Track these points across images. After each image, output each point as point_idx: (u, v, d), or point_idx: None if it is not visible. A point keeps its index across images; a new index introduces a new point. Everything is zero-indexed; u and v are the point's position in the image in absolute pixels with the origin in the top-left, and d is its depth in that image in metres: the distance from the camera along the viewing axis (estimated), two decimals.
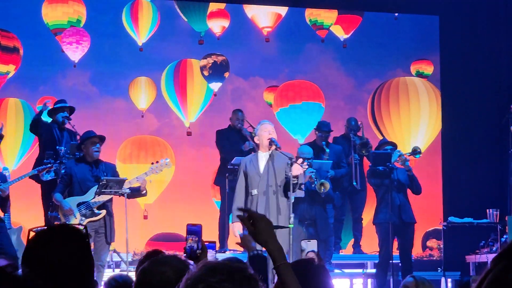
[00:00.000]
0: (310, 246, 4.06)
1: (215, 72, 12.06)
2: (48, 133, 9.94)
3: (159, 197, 12.40)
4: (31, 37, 12.50)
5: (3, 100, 11.55)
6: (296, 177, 7.83)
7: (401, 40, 13.76)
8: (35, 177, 9.69)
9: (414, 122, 11.42)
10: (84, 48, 12.12)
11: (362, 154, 10.88)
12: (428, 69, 13.32)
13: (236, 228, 7.87)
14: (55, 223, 8.77)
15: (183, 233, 12.31)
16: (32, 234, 2.57)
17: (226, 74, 12.21)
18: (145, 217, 11.63)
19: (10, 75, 11.77)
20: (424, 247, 12.75)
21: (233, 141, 10.81)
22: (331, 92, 13.59)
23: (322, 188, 9.34)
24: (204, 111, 13.19)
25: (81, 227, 2.64)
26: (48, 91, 12.67)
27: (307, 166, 8.06)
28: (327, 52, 13.77)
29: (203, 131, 13.34)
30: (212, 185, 12.65)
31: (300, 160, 7.91)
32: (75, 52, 12.10)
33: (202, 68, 12.08)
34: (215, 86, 12.16)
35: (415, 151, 10.09)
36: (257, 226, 2.73)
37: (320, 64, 12.98)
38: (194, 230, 3.22)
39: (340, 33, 12.82)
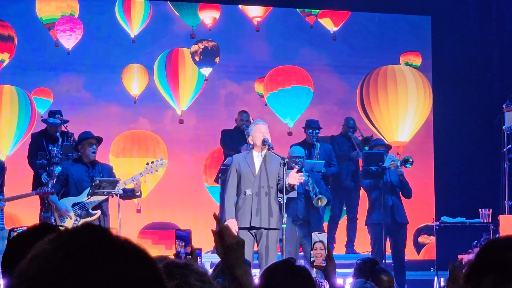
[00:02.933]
0: (318, 238, 3.97)
1: (206, 57, 12.08)
2: (35, 144, 10.08)
3: (152, 191, 12.40)
4: (25, 32, 12.54)
5: None
6: (292, 186, 7.88)
7: (394, 41, 13.76)
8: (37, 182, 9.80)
9: (402, 107, 11.43)
10: (77, 35, 12.18)
11: (364, 151, 10.92)
12: (416, 60, 13.38)
13: (232, 225, 7.84)
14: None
15: (176, 223, 12.26)
16: (13, 234, 2.50)
17: (217, 59, 12.24)
18: (138, 211, 11.59)
19: (5, 63, 11.78)
20: (416, 243, 12.79)
21: (236, 141, 10.82)
22: (324, 96, 13.64)
23: (319, 202, 9.33)
24: (198, 105, 13.27)
25: (61, 228, 2.59)
26: (41, 84, 12.72)
27: (303, 178, 8.03)
28: (321, 57, 13.81)
29: (195, 121, 13.41)
30: (204, 171, 12.70)
31: (295, 169, 7.93)
32: (68, 39, 12.15)
33: (193, 54, 12.10)
34: (206, 71, 12.19)
35: (407, 161, 10.12)
36: (227, 249, 2.55)
37: (314, 69, 12.98)
38: (182, 236, 3.26)
39: (330, 26, 12.83)
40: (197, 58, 12.04)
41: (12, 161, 11.04)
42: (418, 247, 12.87)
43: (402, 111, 11.39)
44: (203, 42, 12.15)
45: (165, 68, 12.28)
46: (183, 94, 12.28)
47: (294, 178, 7.79)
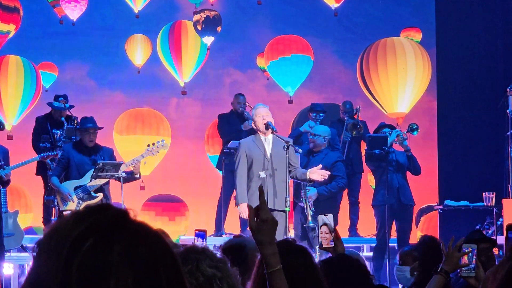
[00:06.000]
0: (323, 220, 3.97)
1: (208, 26, 12.09)
2: (40, 128, 10.10)
3: (156, 168, 12.43)
4: (30, 12, 12.57)
5: (3, 57, 11.58)
6: (313, 181, 7.88)
7: (397, 24, 13.71)
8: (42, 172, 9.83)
9: (401, 78, 11.41)
10: (82, 6, 12.19)
11: (353, 135, 10.86)
12: (417, 36, 13.37)
13: (244, 210, 7.81)
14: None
15: (181, 196, 12.20)
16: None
17: (219, 29, 12.24)
18: (142, 188, 11.61)
19: (11, 35, 11.79)
20: (418, 223, 12.79)
21: (233, 125, 10.80)
22: (329, 85, 13.62)
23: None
24: (203, 93, 13.30)
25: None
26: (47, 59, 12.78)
27: (327, 175, 7.99)
28: (326, 45, 13.80)
29: (199, 109, 13.44)
30: (206, 141, 12.72)
31: (319, 166, 7.92)
32: (73, 10, 12.16)
33: (196, 23, 12.11)
34: (208, 40, 12.19)
35: (412, 128, 10.07)
36: (262, 223, 2.57)
37: (319, 57, 12.97)
38: (200, 235, 3.48)
39: (331, 2, 12.76)
40: (199, 27, 12.04)
41: (18, 130, 11.19)
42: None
43: (401, 82, 11.36)
44: (205, 11, 12.16)
45: (168, 40, 12.30)
46: (186, 65, 12.28)
47: (318, 174, 7.79)
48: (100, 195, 8.63)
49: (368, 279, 3.61)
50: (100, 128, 8.94)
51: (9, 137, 10.69)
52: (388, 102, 11.48)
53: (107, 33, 13.40)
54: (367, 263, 10.05)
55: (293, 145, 8.04)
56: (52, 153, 8.91)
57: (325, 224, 3.93)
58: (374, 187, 10.38)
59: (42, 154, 8.98)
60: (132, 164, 8.67)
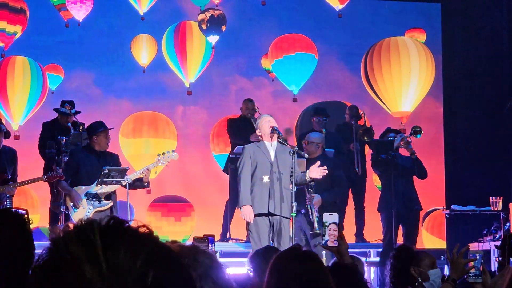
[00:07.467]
0: (332, 219, 4.01)
1: (213, 25, 12.13)
2: (46, 134, 10.15)
3: (162, 173, 12.45)
4: (36, 13, 12.62)
5: (10, 57, 11.61)
6: (312, 180, 7.86)
7: (403, 30, 13.71)
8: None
9: (405, 77, 11.39)
10: (88, 7, 12.21)
11: (364, 141, 10.84)
12: (421, 37, 13.37)
13: (248, 212, 7.81)
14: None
15: (186, 197, 12.22)
16: None
17: (223, 28, 12.27)
18: (148, 192, 11.62)
19: (17, 36, 11.82)
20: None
21: (242, 129, 10.80)
22: (334, 90, 13.62)
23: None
24: (209, 101, 13.32)
25: (23, 212, 2.56)
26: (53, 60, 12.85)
27: (326, 172, 7.97)
28: (332, 51, 13.81)
29: (206, 117, 13.45)
30: (212, 140, 12.73)
31: (317, 163, 7.90)
32: (79, 11, 12.18)
33: (200, 22, 12.15)
34: (213, 39, 12.22)
35: (416, 131, 10.05)
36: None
37: (324, 62, 12.98)
38: (210, 239, 3.57)
39: (335, 3, 12.76)
40: (204, 27, 12.06)
41: (24, 130, 11.25)
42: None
43: (405, 80, 11.36)
44: (209, 10, 12.19)
45: (173, 40, 12.33)
46: (191, 65, 12.31)
47: (317, 172, 7.77)
48: (110, 203, 8.61)
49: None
50: (111, 128, 9.00)
51: (16, 137, 10.76)
52: (392, 101, 11.47)
53: (112, 39, 13.39)
54: (373, 269, 10.12)
55: (298, 150, 8.02)
56: (58, 174, 8.82)
57: (334, 222, 3.99)
58: (380, 187, 10.36)
59: (49, 174, 8.90)
60: (143, 173, 8.69)
